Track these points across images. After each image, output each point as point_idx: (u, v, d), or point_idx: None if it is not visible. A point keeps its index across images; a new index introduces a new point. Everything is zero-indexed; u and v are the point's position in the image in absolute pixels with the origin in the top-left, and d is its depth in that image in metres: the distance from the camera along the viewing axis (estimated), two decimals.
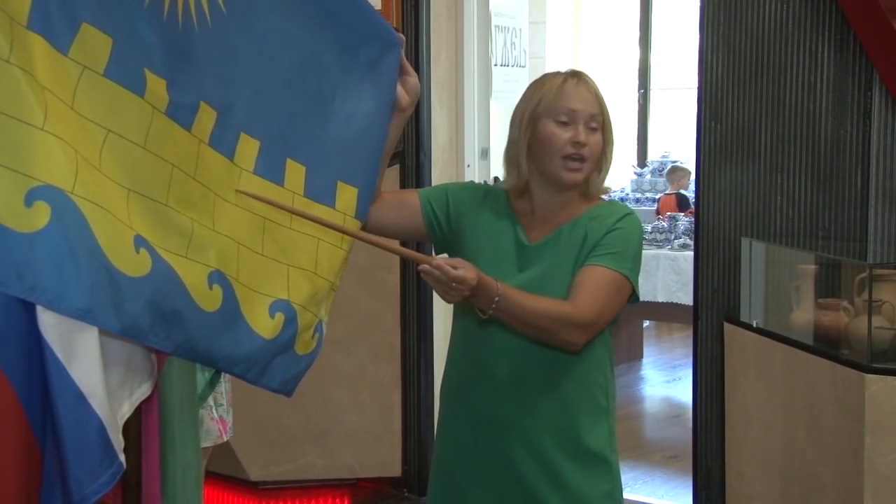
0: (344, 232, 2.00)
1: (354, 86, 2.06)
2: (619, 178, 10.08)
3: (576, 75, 2.26)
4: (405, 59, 2.16)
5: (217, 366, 1.78)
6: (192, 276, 1.65)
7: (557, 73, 2.28)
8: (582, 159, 2.20)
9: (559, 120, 2.20)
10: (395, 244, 2.06)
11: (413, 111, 2.25)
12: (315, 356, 1.99)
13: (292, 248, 1.92)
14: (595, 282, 2.16)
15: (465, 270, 1.98)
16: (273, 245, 1.87)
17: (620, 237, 2.21)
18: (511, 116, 2.31)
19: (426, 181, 4.44)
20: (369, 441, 4.50)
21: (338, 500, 4.52)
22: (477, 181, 4.56)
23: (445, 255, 2.19)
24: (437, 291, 2.02)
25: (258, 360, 1.82)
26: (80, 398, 1.44)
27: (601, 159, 2.26)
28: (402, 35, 2.17)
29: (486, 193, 2.36)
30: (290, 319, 1.88)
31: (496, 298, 2.04)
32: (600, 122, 2.22)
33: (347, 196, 2.04)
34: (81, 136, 1.47)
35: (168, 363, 1.73)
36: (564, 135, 2.19)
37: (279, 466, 4.49)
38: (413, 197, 2.32)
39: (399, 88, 2.14)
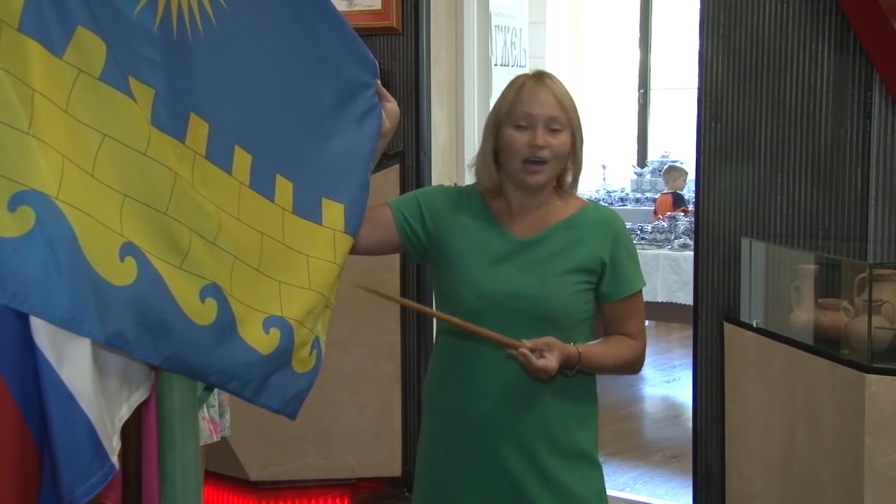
0: (437, 316, 2.17)
1: (334, 105, 2.07)
2: (620, 178, 10.10)
3: (537, 76, 2.25)
4: (381, 87, 2.17)
5: (209, 381, 1.75)
6: (184, 289, 1.62)
7: (519, 77, 2.28)
8: (542, 161, 2.20)
9: (518, 125, 2.21)
10: (485, 329, 2.12)
11: (395, 127, 2.24)
12: (315, 375, 1.97)
13: (285, 265, 1.91)
14: (636, 310, 2.35)
15: (547, 360, 2.09)
16: (268, 261, 1.86)
17: (626, 250, 2.30)
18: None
19: (426, 181, 4.43)
20: (369, 441, 4.49)
21: (338, 499, 4.52)
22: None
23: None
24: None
25: (253, 377, 1.79)
26: (70, 399, 1.43)
27: (570, 158, 2.26)
28: (376, 59, 2.17)
29: (458, 195, 2.36)
30: (286, 335, 1.86)
31: (576, 367, 2.18)
32: (564, 123, 2.21)
33: (334, 212, 2.03)
34: (73, 140, 1.45)
35: None
36: (522, 139, 2.21)
37: (279, 466, 4.49)
38: (385, 211, 2.28)
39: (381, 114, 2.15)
